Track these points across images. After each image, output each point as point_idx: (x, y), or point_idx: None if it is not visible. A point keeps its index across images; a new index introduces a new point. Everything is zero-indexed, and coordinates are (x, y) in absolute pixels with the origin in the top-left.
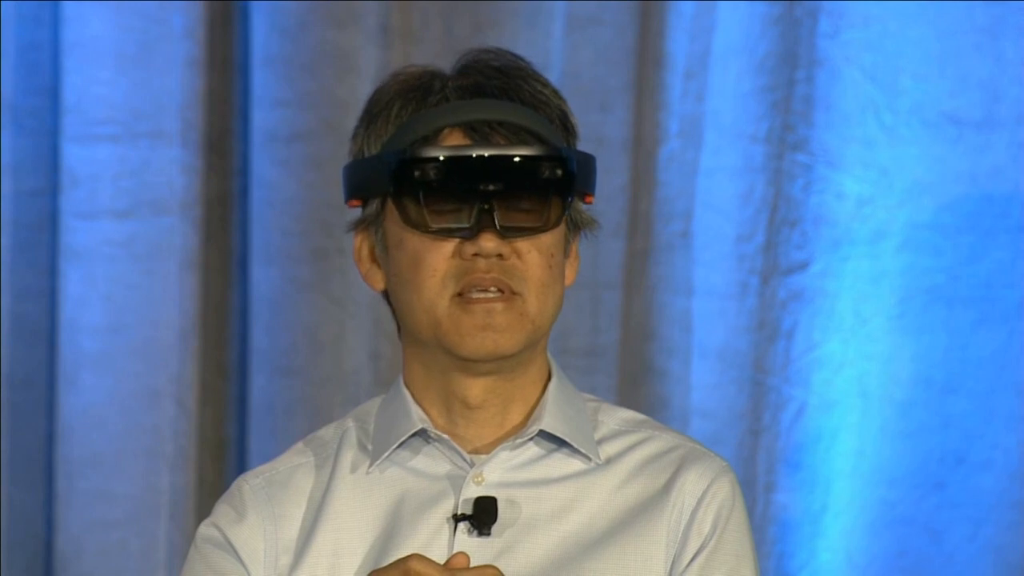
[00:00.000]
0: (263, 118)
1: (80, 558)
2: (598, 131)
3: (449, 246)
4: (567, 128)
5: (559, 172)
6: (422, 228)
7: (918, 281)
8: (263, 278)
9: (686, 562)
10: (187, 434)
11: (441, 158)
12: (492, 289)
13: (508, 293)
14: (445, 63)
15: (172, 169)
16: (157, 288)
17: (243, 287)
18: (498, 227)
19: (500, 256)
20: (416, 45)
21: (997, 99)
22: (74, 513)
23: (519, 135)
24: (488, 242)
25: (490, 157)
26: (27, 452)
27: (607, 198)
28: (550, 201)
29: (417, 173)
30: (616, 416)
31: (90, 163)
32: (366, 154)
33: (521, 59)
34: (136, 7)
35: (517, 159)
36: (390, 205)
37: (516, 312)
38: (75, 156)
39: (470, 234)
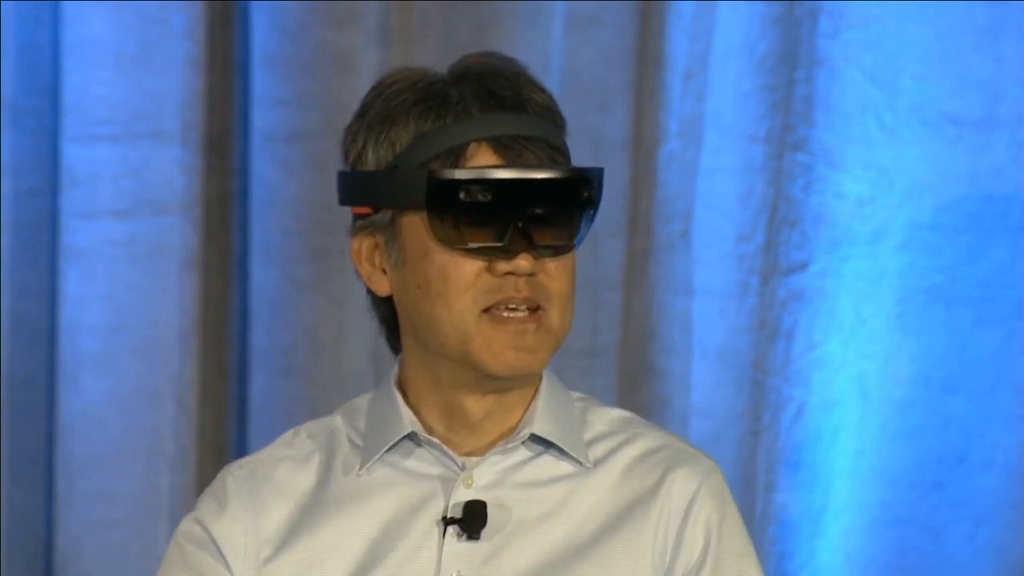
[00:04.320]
0: (263, 118)
1: (80, 558)
2: (598, 131)
3: (480, 262)
4: (564, 131)
5: (590, 193)
6: (456, 245)
7: (918, 281)
8: (263, 278)
9: (679, 574)
10: (187, 434)
11: (486, 180)
12: (523, 307)
13: (535, 308)
14: (445, 63)
15: (172, 169)
16: (157, 288)
17: (243, 287)
18: (535, 247)
19: (531, 274)
20: (416, 45)
21: (997, 99)
22: (74, 513)
23: (547, 152)
24: (524, 261)
25: (535, 180)
26: (27, 452)
27: (607, 198)
28: (580, 219)
29: (462, 194)
30: (604, 416)
31: (90, 163)
32: (372, 160)
33: (516, 62)
34: (136, 7)
35: (559, 182)
36: (413, 218)
37: (544, 330)
38: (75, 156)
39: (505, 254)
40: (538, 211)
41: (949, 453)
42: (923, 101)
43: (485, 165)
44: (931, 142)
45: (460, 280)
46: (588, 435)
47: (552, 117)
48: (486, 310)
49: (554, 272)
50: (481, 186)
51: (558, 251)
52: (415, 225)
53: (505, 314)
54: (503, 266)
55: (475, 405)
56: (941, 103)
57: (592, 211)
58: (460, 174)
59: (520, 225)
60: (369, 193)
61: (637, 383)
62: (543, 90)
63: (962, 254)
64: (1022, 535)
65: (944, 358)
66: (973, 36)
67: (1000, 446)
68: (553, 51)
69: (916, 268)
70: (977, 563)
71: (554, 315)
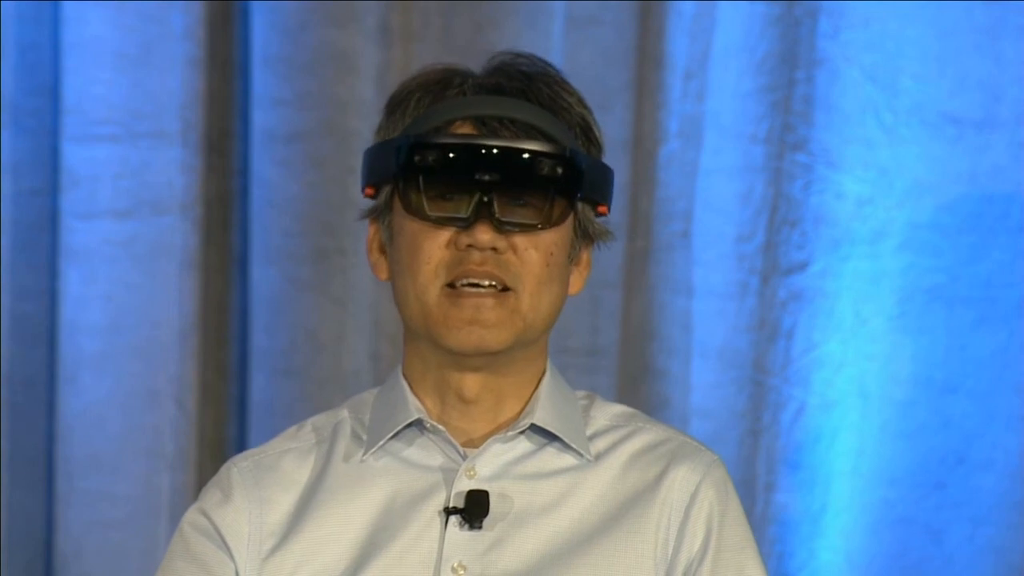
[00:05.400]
0: (263, 118)
1: (80, 558)
2: None
3: (445, 235)
4: (588, 137)
5: (559, 170)
6: (420, 215)
7: (918, 281)
8: (263, 278)
9: (681, 567)
10: (187, 434)
11: (441, 144)
12: (484, 282)
13: (500, 287)
14: (445, 63)
15: (172, 169)
16: (157, 288)
17: (243, 287)
18: (495, 219)
19: (495, 250)
20: (416, 45)
21: (997, 99)
22: (74, 513)
23: (528, 132)
24: (483, 234)
25: (490, 148)
26: (27, 452)
27: None
28: (553, 200)
29: (417, 158)
30: (607, 411)
31: (90, 163)
32: None
33: (551, 66)
34: (136, 7)
35: (517, 153)
36: (396, 193)
37: (507, 308)
38: (75, 156)
39: (466, 224)
40: (487, 178)
41: (949, 453)
42: (923, 101)
43: (452, 134)
44: (931, 142)
45: (424, 251)
46: (591, 429)
47: (566, 116)
48: (450, 285)
49: (524, 252)
50: (434, 151)
51: (525, 228)
52: (396, 201)
53: (464, 288)
54: (465, 238)
55: (462, 383)
56: (941, 103)
57: (572, 193)
58: (421, 138)
59: (483, 198)
60: (367, 173)
61: (637, 383)
62: (571, 93)
63: (962, 254)
64: (1022, 535)
65: (944, 358)
66: (973, 36)
67: (1000, 446)
68: (553, 51)
69: (916, 268)
70: (977, 563)
71: (524, 297)
